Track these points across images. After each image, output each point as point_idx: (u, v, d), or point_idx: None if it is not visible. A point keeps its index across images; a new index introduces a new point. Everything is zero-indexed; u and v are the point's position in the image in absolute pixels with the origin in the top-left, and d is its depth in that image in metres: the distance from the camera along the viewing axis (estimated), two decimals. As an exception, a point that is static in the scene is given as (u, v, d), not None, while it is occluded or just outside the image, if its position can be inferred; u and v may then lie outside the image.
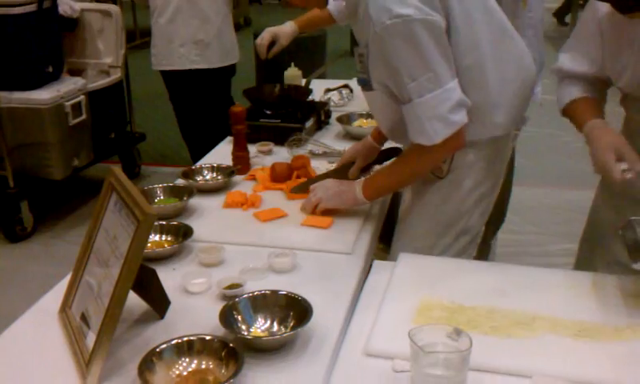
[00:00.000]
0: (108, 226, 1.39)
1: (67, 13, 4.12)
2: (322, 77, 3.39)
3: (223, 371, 1.21)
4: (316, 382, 1.21)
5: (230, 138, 2.41)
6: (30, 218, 3.81)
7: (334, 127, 2.69)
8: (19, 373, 1.26)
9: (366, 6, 1.60)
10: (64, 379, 1.23)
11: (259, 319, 1.37)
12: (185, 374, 1.22)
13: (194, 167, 2.21)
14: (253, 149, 2.33)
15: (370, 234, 1.80)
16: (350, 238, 1.73)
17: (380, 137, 2.12)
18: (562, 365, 1.23)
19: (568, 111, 1.77)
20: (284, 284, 1.46)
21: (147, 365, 1.20)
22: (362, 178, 1.82)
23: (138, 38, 8.56)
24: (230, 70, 3.86)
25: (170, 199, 1.96)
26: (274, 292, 1.41)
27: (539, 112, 2.65)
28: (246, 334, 1.32)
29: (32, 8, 3.59)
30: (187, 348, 1.25)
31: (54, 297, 1.49)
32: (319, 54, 5.28)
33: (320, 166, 2.24)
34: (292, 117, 2.53)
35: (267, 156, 2.38)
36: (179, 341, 1.26)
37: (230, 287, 1.48)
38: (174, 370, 1.22)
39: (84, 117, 3.86)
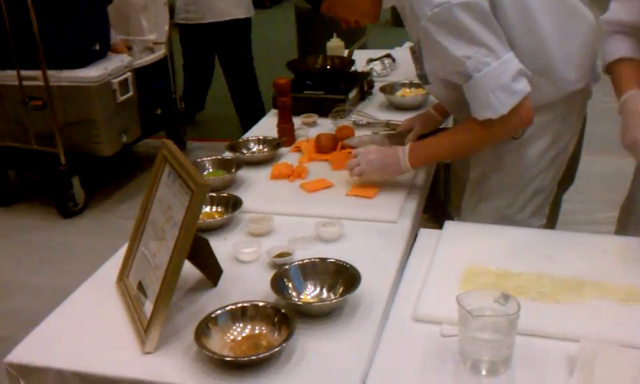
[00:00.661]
0: (162, 197, 1.44)
1: None
2: (363, 47, 3.38)
3: (276, 336, 1.25)
4: (365, 347, 1.24)
5: (274, 111, 2.44)
6: (81, 193, 3.91)
7: (377, 97, 2.70)
8: (81, 338, 1.33)
9: (410, 5, 1.65)
10: (124, 344, 1.29)
11: (309, 286, 1.40)
12: (239, 338, 1.27)
13: (240, 140, 2.25)
14: (297, 121, 2.36)
15: (416, 202, 1.81)
16: (396, 206, 1.75)
17: (442, 109, 2.13)
18: (610, 329, 1.24)
19: (611, 69, 1.74)
20: (331, 253, 1.49)
21: (203, 330, 1.25)
22: (408, 145, 1.83)
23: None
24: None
25: (218, 171, 2.01)
26: (323, 260, 1.44)
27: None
28: (296, 300, 1.36)
29: (81, -14, 3.66)
30: (241, 314, 1.30)
31: (112, 267, 1.55)
32: (361, 25, 5.24)
33: (364, 137, 2.25)
34: (335, 88, 2.54)
35: (311, 128, 2.40)
36: (233, 307, 1.30)
37: (280, 256, 1.52)
38: (228, 334, 1.27)
39: (131, 93, 3.93)
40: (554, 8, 1.73)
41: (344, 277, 1.39)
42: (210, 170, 2.03)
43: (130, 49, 4.33)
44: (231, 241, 1.62)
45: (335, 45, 3.10)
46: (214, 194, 1.81)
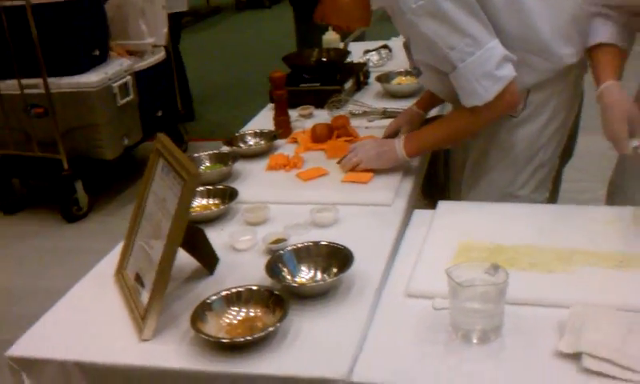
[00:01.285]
0: (157, 190, 1.46)
1: None
2: (360, 39, 3.40)
3: (271, 318, 1.27)
4: (358, 324, 1.26)
5: (271, 105, 2.45)
6: (85, 198, 3.94)
7: (374, 87, 2.71)
8: (81, 329, 1.35)
9: (395, 2, 1.68)
10: (122, 332, 1.31)
11: (303, 269, 1.42)
12: (235, 322, 1.28)
13: (237, 134, 2.26)
14: (294, 114, 2.38)
15: (410, 186, 1.83)
16: (390, 190, 1.77)
17: (425, 104, 2.15)
18: (601, 294, 1.25)
19: (590, 53, 1.74)
20: (326, 237, 1.50)
21: (199, 315, 1.27)
22: (403, 136, 1.85)
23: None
24: None
25: (215, 165, 2.02)
26: (316, 243, 1.46)
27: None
28: (290, 282, 1.38)
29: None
30: (236, 298, 1.32)
31: (110, 262, 1.57)
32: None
33: (360, 125, 2.27)
34: (331, 79, 2.55)
35: (308, 119, 2.42)
36: (228, 292, 1.32)
37: (275, 242, 1.53)
38: (224, 318, 1.29)
39: (131, 97, 3.96)
40: None
41: (337, 258, 1.41)
42: (208, 163, 2.05)
43: (131, 54, 4.35)
44: (228, 231, 1.64)
45: (331, 38, 3.11)
46: (211, 187, 1.83)
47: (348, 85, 2.59)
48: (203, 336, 1.22)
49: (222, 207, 1.75)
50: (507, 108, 1.72)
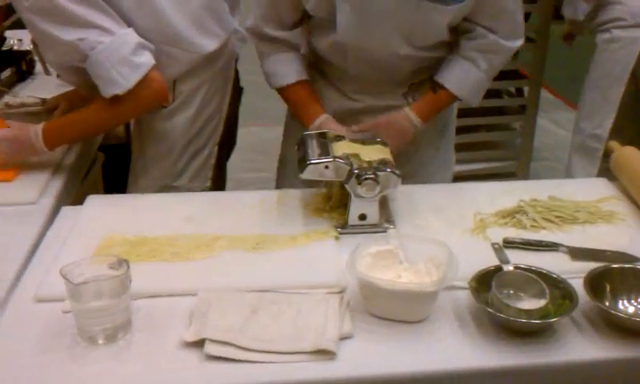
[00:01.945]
0: None
1: None
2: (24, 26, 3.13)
3: None
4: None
5: None
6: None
7: (46, 78, 2.48)
8: None
9: None
10: None
11: None
12: None
13: None
14: None
15: (62, 182, 1.70)
16: (36, 187, 1.63)
17: None
18: (233, 277, 1.27)
19: (285, 95, 1.78)
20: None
21: None
22: (42, 124, 1.70)
23: None
24: None
25: None
26: None
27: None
28: None
29: None
30: None
31: None
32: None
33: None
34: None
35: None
36: None
37: None
38: None
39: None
40: None
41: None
42: None
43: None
44: None
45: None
46: None
47: (6, 74, 2.36)
48: None
49: None
50: (154, 97, 1.68)
